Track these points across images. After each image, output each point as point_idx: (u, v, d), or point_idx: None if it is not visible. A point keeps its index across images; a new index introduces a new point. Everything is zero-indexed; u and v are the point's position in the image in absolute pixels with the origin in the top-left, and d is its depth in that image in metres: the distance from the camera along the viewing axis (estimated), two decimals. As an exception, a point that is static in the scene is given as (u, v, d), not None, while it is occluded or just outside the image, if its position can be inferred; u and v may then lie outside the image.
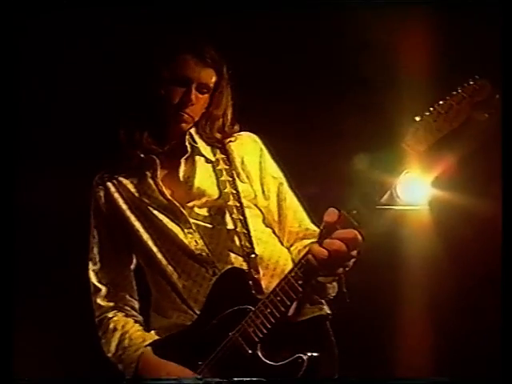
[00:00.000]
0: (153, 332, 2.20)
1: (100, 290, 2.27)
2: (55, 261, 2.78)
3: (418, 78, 2.54)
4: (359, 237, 1.90)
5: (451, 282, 3.46)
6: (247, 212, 2.22)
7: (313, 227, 2.27)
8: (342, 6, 2.49)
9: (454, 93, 1.87)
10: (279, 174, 2.32)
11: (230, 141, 2.32)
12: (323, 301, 2.19)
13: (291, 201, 2.30)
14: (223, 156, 2.29)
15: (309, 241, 2.20)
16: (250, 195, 2.26)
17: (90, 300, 2.28)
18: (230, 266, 2.11)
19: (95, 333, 2.24)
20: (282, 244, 2.28)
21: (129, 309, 2.28)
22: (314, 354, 1.95)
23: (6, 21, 2.12)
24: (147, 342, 2.14)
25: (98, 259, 2.29)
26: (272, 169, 2.32)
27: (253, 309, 1.99)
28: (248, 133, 2.36)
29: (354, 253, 1.93)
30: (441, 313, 3.39)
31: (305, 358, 1.92)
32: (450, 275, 3.48)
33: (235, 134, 2.33)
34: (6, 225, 2.18)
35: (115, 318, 2.23)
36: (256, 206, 2.28)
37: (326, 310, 2.20)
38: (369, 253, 3.49)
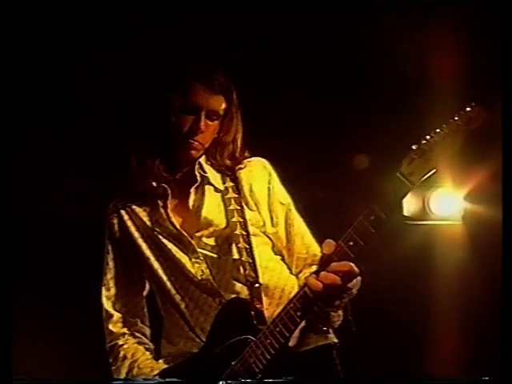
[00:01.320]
0: (161, 361, 2.23)
1: (112, 316, 2.31)
2: (69, 286, 2.86)
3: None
4: (355, 269, 1.89)
5: (485, 299, 3.39)
6: (255, 240, 2.23)
7: None
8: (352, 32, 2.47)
9: (451, 120, 1.84)
10: (287, 199, 2.32)
11: (240, 168, 2.32)
12: (330, 330, 2.19)
13: (299, 227, 2.30)
14: (232, 184, 2.30)
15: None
16: (259, 223, 2.27)
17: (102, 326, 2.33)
18: (233, 296, 2.13)
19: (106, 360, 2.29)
20: (291, 271, 2.29)
21: (140, 336, 2.32)
22: (314, 386, 1.95)
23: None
24: (155, 372, 2.17)
25: (111, 285, 2.33)
26: (280, 195, 2.32)
27: (254, 339, 2.01)
28: (257, 158, 2.36)
29: (351, 284, 1.92)
30: (475, 334, 3.33)
31: (304, 389, 1.92)
32: (484, 291, 3.41)
33: (245, 161, 2.34)
34: (22, 253, 2.26)
35: (125, 346, 2.27)
36: (264, 233, 2.28)
37: (333, 338, 2.19)
38: (401, 269, 3.48)
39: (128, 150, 2.33)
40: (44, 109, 2.72)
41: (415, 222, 3.75)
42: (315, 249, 2.28)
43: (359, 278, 2.13)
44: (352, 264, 1.88)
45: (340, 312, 2.12)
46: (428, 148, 1.84)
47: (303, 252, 2.28)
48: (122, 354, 2.25)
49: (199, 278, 2.19)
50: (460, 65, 2.49)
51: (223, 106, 2.28)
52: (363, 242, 1.88)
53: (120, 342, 2.28)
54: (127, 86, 2.67)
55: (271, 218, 2.29)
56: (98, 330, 2.34)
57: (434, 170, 1.84)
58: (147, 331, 2.36)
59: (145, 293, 2.38)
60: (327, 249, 1.91)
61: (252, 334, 2.03)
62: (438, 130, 1.85)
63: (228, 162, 2.32)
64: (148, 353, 2.27)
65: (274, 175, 2.34)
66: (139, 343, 2.29)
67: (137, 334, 2.31)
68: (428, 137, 1.86)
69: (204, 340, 2.14)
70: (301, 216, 2.33)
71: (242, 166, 2.33)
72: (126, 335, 2.29)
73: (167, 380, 2.10)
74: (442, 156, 1.83)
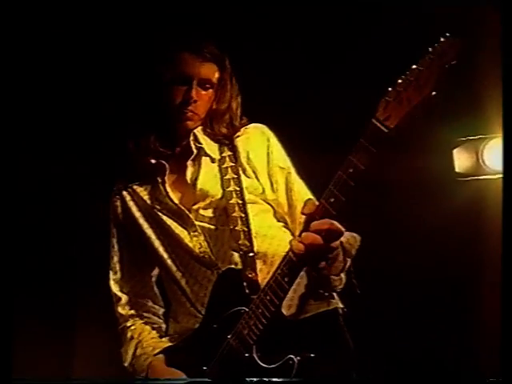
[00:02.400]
0: (165, 339, 2.19)
1: (120, 298, 2.28)
2: (80, 271, 2.85)
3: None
4: (337, 227, 1.77)
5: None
6: (254, 208, 2.15)
7: None
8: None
9: (425, 56, 1.69)
10: (286, 163, 2.22)
11: (238, 136, 2.24)
12: (335, 295, 2.07)
13: (300, 191, 2.18)
14: (230, 153, 2.22)
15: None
16: (258, 190, 2.18)
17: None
18: (226, 267, 2.05)
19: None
20: (295, 237, 2.18)
21: (150, 316, 2.28)
22: (310, 355, 1.84)
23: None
24: (157, 351, 2.13)
25: (118, 268, 2.30)
26: (279, 159, 2.21)
27: (247, 310, 1.92)
28: (255, 124, 2.27)
29: (336, 244, 1.79)
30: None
31: (295, 359, 1.82)
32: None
33: (242, 128, 2.26)
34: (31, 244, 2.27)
35: (133, 327, 2.24)
36: (265, 200, 2.19)
37: (337, 304, 2.08)
38: (452, 230, 3.26)
39: (123, 130, 2.30)
40: (35, 95, 2.72)
41: (468, 178, 3.51)
42: (318, 213, 2.16)
43: (357, 236, 2.03)
44: (333, 222, 1.76)
45: (342, 275, 2.00)
46: (402, 88, 1.70)
47: None
48: (129, 335, 2.22)
49: (197, 251, 2.13)
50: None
51: (216, 74, 2.21)
52: (343, 197, 1.76)
53: (128, 324, 2.25)
54: (116, 64, 2.63)
55: (271, 184, 2.19)
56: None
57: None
58: (159, 310, 2.31)
59: (154, 272, 2.34)
60: (307, 208, 1.81)
61: (246, 304, 1.94)
62: (413, 67, 1.71)
63: (224, 131, 2.24)
64: (154, 332, 2.23)
65: (273, 140, 2.24)
66: (146, 323, 2.25)
67: (145, 315, 2.27)
68: (403, 76, 1.72)
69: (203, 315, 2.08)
70: (302, 180, 2.22)
71: (239, 133, 2.25)
72: (134, 317, 2.26)
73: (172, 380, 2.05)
74: (417, 95, 1.68)
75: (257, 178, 2.19)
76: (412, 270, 3.09)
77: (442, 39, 1.67)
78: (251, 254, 2.05)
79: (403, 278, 3.09)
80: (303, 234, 1.79)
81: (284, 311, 1.97)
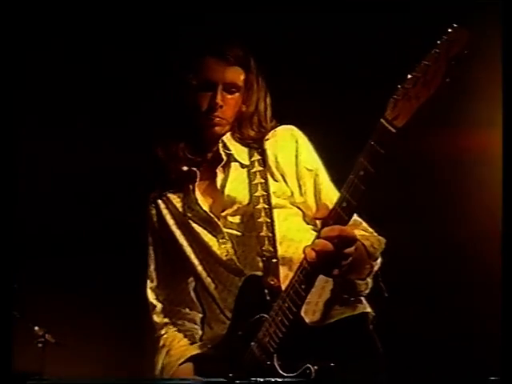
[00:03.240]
0: (195, 346, 2.19)
1: (156, 307, 2.29)
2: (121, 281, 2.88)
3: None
4: (348, 233, 1.70)
5: None
6: (282, 212, 2.12)
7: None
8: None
9: (432, 51, 1.60)
10: (314, 164, 2.16)
11: (267, 139, 2.22)
12: (363, 299, 2.01)
13: (328, 193, 2.12)
14: (259, 157, 2.19)
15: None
16: (286, 194, 2.14)
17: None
18: (249, 274, 2.03)
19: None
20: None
21: (184, 322, 2.28)
22: (329, 364, 1.79)
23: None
24: (182, 360, 2.13)
25: (154, 276, 2.31)
26: (307, 161, 2.17)
27: (268, 317, 1.89)
28: (284, 126, 2.24)
29: (350, 250, 1.73)
30: None
31: (313, 368, 1.77)
32: None
33: (272, 131, 2.23)
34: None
35: (165, 335, 2.24)
36: (293, 204, 2.15)
37: (364, 308, 2.01)
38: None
39: (153, 140, 2.30)
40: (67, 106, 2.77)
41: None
42: (347, 214, 2.09)
43: (381, 239, 1.98)
44: (343, 227, 1.70)
45: (368, 279, 1.94)
46: (411, 85, 1.62)
47: None
48: (161, 343, 2.23)
49: (224, 258, 2.12)
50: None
51: (241, 76, 2.19)
52: (355, 202, 1.70)
53: (162, 332, 2.26)
54: (142, 72, 2.64)
55: (299, 187, 2.15)
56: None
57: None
58: (196, 316, 2.30)
59: (191, 279, 2.33)
60: (319, 213, 1.77)
61: (268, 311, 1.91)
62: (421, 62, 1.62)
63: (253, 134, 2.22)
64: (186, 339, 2.22)
65: (302, 141, 2.19)
66: (179, 330, 2.25)
67: (178, 322, 2.27)
68: (412, 73, 1.64)
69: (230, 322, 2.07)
70: (334, 181, 2.16)
71: (268, 136, 2.22)
72: (168, 325, 2.27)
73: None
74: (425, 90, 1.60)
75: (285, 181, 2.15)
76: (446, 270, 2.96)
77: (449, 30, 1.58)
78: (274, 260, 2.02)
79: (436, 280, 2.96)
80: (316, 240, 1.74)
81: (308, 317, 1.94)
